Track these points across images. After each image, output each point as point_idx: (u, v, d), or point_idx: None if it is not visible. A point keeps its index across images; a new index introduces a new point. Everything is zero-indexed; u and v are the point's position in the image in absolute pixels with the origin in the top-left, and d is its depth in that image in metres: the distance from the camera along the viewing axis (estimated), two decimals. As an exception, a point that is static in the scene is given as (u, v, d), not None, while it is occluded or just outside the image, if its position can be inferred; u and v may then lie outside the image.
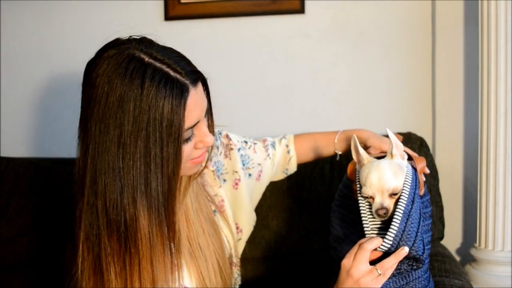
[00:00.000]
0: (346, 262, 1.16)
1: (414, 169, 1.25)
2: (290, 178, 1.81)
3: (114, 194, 1.07)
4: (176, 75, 1.09)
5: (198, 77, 1.14)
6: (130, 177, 1.07)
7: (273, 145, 1.53)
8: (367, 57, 1.95)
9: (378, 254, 1.17)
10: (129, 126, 1.05)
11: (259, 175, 1.47)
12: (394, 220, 1.15)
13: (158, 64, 1.09)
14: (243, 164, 1.44)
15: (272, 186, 1.79)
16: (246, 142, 1.47)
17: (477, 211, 1.78)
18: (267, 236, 1.78)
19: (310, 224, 1.76)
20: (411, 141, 1.78)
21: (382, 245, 1.15)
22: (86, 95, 1.10)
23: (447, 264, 1.57)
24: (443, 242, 1.78)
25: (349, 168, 1.31)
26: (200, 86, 1.15)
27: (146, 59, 1.09)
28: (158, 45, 1.15)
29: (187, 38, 1.97)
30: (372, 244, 1.15)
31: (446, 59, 1.92)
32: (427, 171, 1.32)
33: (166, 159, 1.07)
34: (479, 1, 1.71)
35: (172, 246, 1.14)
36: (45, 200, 1.75)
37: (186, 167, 1.18)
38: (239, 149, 1.44)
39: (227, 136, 1.44)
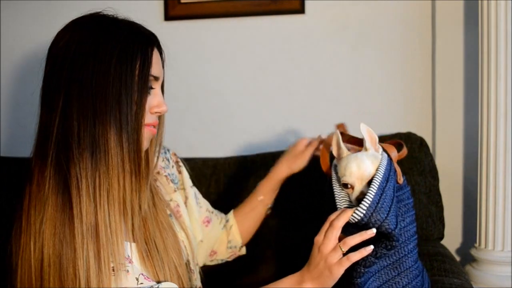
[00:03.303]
0: (318, 238, 1.21)
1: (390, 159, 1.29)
2: (290, 178, 1.81)
3: (88, 114, 1.12)
4: (142, 31, 1.21)
5: (159, 44, 1.24)
6: (103, 100, 1.12)
7: (212, 212, 1.55)
8: (367, 57, 1.95)
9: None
10: (102, 56, 1.12)
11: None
12: (369, 192, 1.18)
13: (127, 20, 1.21)
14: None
15: (272, 186, 1.79)
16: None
17: (477, 211, 1.78)
18: (267, 236, 1.77)
19: (310, 224, 1.76)
20: (411, 141, 1.78)
21: (355, 213, 1.17)
22: (52, 48, 1.17)
23: (447, 264, 1.57)
24: (443, 242, 1.78)
25: (323, 163, 1.41)
26: (158, 54, 1.23)
27: (115, 18, 1.21)
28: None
29: (187, 38, 1.97)
30: (341, 221, 1.19)
31: (446, 59, 1.92)
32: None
33: (135, 90, 1.14)
34: (479, 1, 1.71)
35: (137, 169, 1.17)
36: (45, 200, 1.74)
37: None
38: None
39: (175, 154, 1.48)
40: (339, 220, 1.18)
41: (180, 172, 1.47)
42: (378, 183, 1.19)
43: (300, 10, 1.93)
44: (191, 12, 1.95)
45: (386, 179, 1.21)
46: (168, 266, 1.23)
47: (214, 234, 1.52)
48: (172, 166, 1.45)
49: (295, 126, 1.99)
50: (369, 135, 1.26)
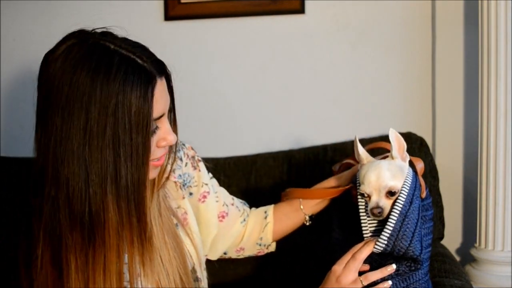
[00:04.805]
0: (337, 268, 1.19)
1: (415, 172, 1.25)
2: (290, 178, 1.81)
3: (79, 184, 1.03)
4: (143, 63, 1.07)
5: (163, 70, 1.12)
6: (98, 165, 1.03)
7: (244, 203, 1.49)
8: (367, 57, 1.95)
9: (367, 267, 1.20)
10: (95, 113, 1.02)
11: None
12: (389, 220, 1.16)
13: (124, 52, 1.06)
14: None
15: (272, 187, 1.79)
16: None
17: (477, 211, 1.78)
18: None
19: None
20: (411, 141, 1.77)
21: (376, 244, 1.16)
22: (45, 85, 1.06)
23: (447, 264, 1.57)
24: (443, 242, 1.78)
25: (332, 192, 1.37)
26: (164, 79, 1.12)
27: (112, 46, 1.06)
28: (121, 37, 1.12)
29: (187, 38, 1.96)
30: (363, 253, 1.18)
31: (446, 59, 1.92)
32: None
33: (135, 147, 1.04)
34: (479, 1, 1.71)
35: (143, 236, 1.09)
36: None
37: None
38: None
39: (192, 148, 1.41)
40: (362, 252, 1.17)
41: (196, 168, 1.38)
42: (400, 209, 1.16)
43: (300, 10, 1.93)
44: (191, 12, 1.95)
45: (410, 201, 1.17)
46: (174, 278, 1.20)
47: (235, 230, 1.44)
48: (186, 164, 1.37)
49: (295, 126, 1.98)
50: (397, 142, 1.21)
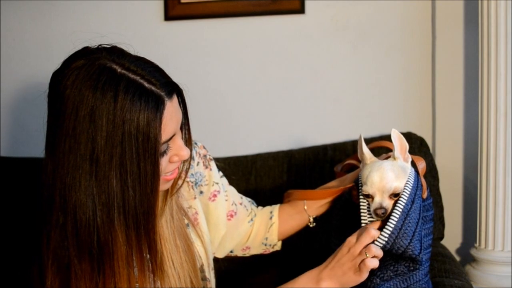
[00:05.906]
0: (352, 239, 1.20)
1: (417, 172, 1.25)
2: (290, 178, 1.81)
3: (86, 214, 1.02)
4: (150, 86, 1.04)
5: (173, 89, 1.09)
6: (105, 195, 1.01)
7: (251, 203, 1.48)
8: (367, 57, 1.95)
9: None
10: (102, 142, 1.01)
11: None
12: (391, 218, 1.16)
13: (131, 76, 1.03)
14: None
15: (272, 187, 1.79)
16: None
17: (477, 211, 1.78)
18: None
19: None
20: (411, 141, 1.78)
21: (377, 240, 1.16)
22: (53, 108, 1.06)
23: (447, 264, 1.57)
24: (443, 242, 1.78)
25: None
26: (175, 98, 1.10)
27: (119, 70, 1.03)
28: (130, 54, 1.09)
29: (187, 38, 1.97)
30: (377, 231, 1.17)
31: (446, 59, 1.92)
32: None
33: (143, 175, 1.03)
34: (479, 1, 1.71)
35: (154, 265, 1.08)
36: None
37: None
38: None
39: (204, 147, 1.40)
40: (378, 231, 1.17)
41: (207, 167, 1.37)
42: (402, 207, 1.16)
43: (300, 10, 1.93)
44: (191, 12, 1.95)
45: (412, 200, 1.18)
46: (184, 280, 1.19)
47: (242, 230, 1.44)
48: (197, 164, 1.36)
49: (295, 126, 1.99)
50: (399, 143, 1.21)
